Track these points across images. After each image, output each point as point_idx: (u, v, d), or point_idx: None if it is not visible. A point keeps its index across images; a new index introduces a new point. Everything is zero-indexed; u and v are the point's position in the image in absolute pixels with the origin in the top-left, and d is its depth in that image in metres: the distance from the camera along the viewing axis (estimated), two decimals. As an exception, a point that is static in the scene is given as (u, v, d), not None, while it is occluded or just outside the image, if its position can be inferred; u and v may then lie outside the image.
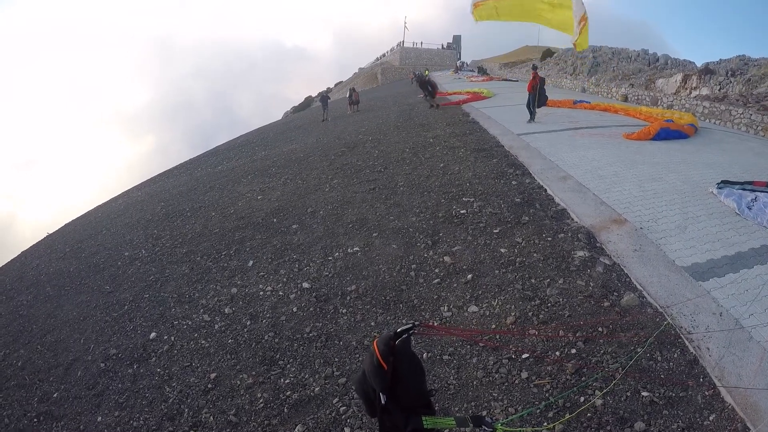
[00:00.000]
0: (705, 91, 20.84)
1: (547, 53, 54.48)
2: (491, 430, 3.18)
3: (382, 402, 3.09)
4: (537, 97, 19.43)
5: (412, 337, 3.12)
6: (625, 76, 29.27)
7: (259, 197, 14.62)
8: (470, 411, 5.38)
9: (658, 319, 6.12)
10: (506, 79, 52.19)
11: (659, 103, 23.23)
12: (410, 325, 3.08)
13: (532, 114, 19.73)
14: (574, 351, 5.92)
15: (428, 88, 28.64)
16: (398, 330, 3.02)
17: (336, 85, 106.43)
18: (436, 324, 7.03)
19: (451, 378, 5.96)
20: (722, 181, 10.11)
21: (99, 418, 6.79)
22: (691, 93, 21.38)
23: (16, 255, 18.33)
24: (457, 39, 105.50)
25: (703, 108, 20.49)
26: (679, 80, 22.39)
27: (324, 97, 38.36)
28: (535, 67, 21.53)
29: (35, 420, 7.20)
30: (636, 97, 25.63)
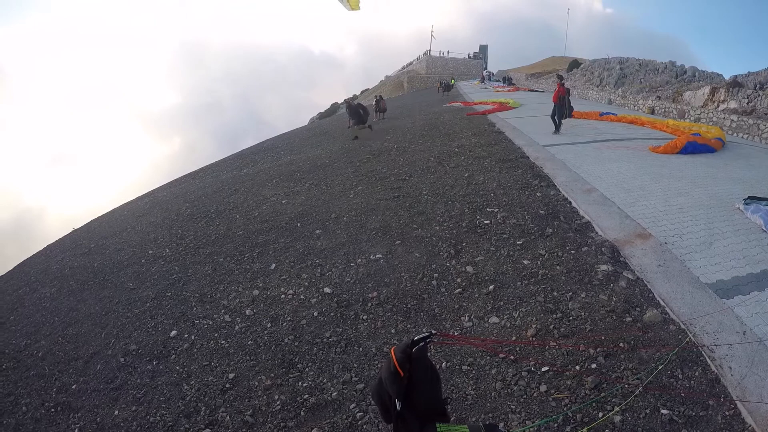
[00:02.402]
0: (733, 105, 20.58)
1: (574, 64, 54.14)
2: None
3: (398, 408, 3.15)
4: (562, 108, 19.36)
5: (429, 346, 3.16)
6: (652, 88, 29.03)
7: (283, 201, 14.74)
8: (487, 422, 5.40)
9: (680, 336, 6.08)
10: (532, 90, 52.04)
11: (686, 116, 23.00)
12: (427, 334, 3.12)
13: (558, 125, 19.65)
14: (594, 366, 5.90)
15: (360, 113, 27.53)
16: (415, 338, 3.07)
17: (362, 92, 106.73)
18: (456, 334, 7.07)
19: (470, 389, 5.98)
20: (749, 197, 10.00)
21: (116, 412, 6.90)
22: (718, 106, 21.12)
23: (41, 248, 18.65)
24: (483, 48, 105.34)
25: (731, 122, 20.23)
26: (707, 93, 22.14)
27: (350, 104, 38.19)
28: (560, 77, 21.48)
29: (52, 410, 7.32)
30: (663, 110, 25.39)
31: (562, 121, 19.68)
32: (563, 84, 20.49)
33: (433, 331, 3.08)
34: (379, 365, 6.71)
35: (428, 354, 3.20)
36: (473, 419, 5.52)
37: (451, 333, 7.05)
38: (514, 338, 6.75)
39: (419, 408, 3.16)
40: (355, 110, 27.65)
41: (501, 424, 5.35)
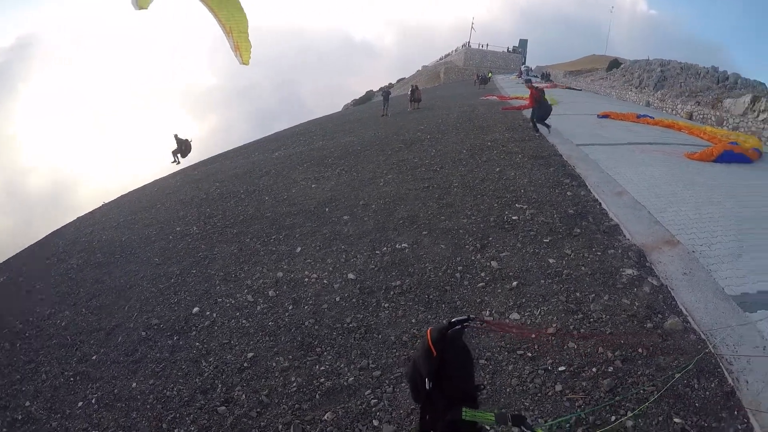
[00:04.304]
0: (774, 115, 20.09)
1: (614, 64, 53.24)
2: None
3: (427, 387, 3.21)
4: (541, 109, 19.25)
5: (465, 330, 3.22)
6: (692, 93, 28.44)
7: (313, 186, 14.89)
8: (514, 412, 5.44)
9: (699, 346, 6.06)
10: (570, 88, 51.31)
11: (725, 123, 22.52)
12: (465, 317, 3.19)
13: (538, 126, 19.44)
14: (611, 369, 5.91)
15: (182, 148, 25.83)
16: (453, 320, 3.14)
17: (398, 81, 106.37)
18: (492, 319, 7.13)
19: (485, 382, 6.03)
20: (783, 211, 9.85)
21: (134, 384, 7.12)
22: (759, 116, 20.59)
23: (71, 220, 19.06)
24: (523, 43, 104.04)
25: (771, 132, 19.79)
26: (748, 102, 21.55)
27: (386, 92, 38.55)
28: (528, 81, 21.57)
29: (71, 379, 7.58)
30: (701, 116, 24.91)
31: (544, 122, 19.52)
32: (535, 87, 20.57)
33: (471, 315, 3.14)
34: (397, 354, 6.81)
35: (463, 338, 3.27)
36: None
37: (488, 318, 7.12)
38: (533, 336, 6.78)
39: (449, 390, 3.22)
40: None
41: (527, 414, 5.41)
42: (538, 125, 19.05)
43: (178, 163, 24.75)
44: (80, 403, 6.99)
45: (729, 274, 7.65)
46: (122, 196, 22.72)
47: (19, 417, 6.97)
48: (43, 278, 11.98)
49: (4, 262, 14.81)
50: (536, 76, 72.48)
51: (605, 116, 24.26)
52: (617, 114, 24.24)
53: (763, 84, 27.50)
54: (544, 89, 20.36)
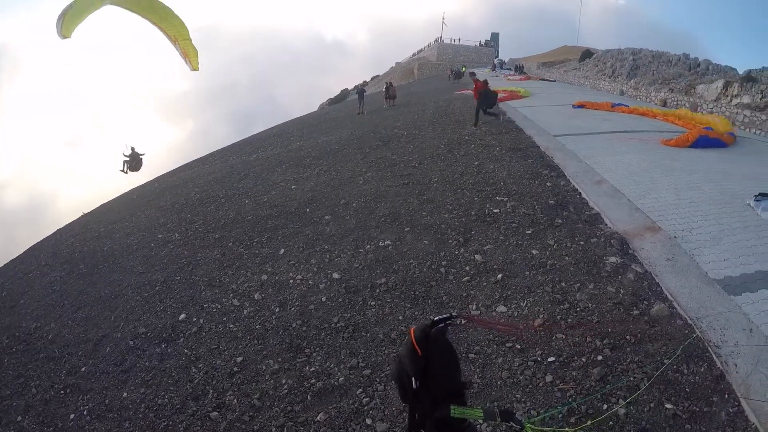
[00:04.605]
0: (746, 100, 20.23)
1: (586, 54, 53.39)
2: (519, 428, 3.25)
3: (414, 387, 3.18)
4: (486, 99, 19.67)
5: (449, 328, 3.20)
6: (665, 81, 28.73)
7: (293, 187, 14.79)
8: (503, 407, 5.42)
9: (686, 331, 6.10)
10: (544, 79, 51.65)
11: (699, 109, 22.78)
12: (447, 315, 3.16)
13: (492, 114, 19.94)
14: (600, 358, 5.93)
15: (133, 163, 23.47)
16: (435, 319, 3.12)
17: (372, 78, 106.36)
18: (476, 315, 7.13)
19: (476, 376, 6.03)
20: (760, 194, 9.91)
21: (125, 394, 7.02)
22: (731, 100, 20.83)
23: (51, 232, 18.83)
24: (495, 36, 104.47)
25: (744, 117, 19.93)
26: (720, 87, 21.79)
27: (360, 90, 38.46)
28: (472, 73, 22.11)
29: (62, 392, 7.46)
30: (675, 102, 25.14)
31: (490, 110, 19.88)
32: (478, 79, 21.06)
33: (453, 313, 3.12)
34: (386, 351, 6.78)
35: (447, 335, 3.24)
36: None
37: (471, 315, 7.10)
38: (521, 328, 6.79)
39: (435, 388, 3.20)
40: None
41: (517, 411, 5.40)
42: (487, 115, 19.69)
43: (126, 173, 24.36)
44: (72, 416, 6.86)
45: (711, 258, 7.71)
46: (102, 206, 22.48)
47: (12, 432, 6.86)
48: (26, 292, 11.77)
49: (-17, 278, 14.54)
50: (509, 69, 72.87)
51: (580, 106, 24.40)
52: (592, 104, 24.44)
53: (735, 69, 27.82)
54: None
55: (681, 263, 7.63)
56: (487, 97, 19.49)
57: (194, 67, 11.51)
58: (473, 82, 21.44)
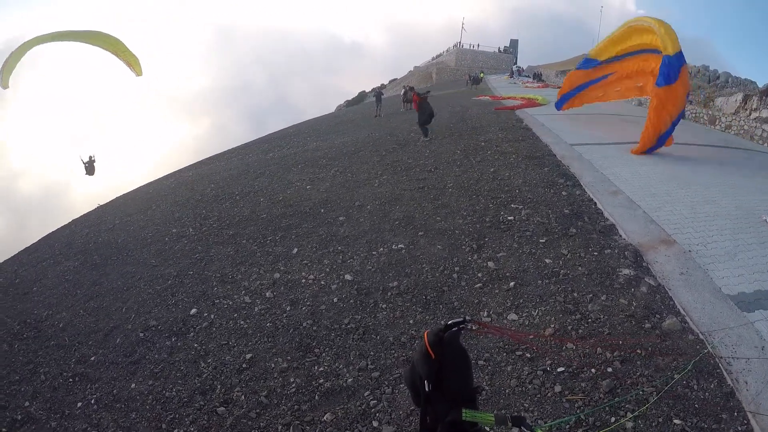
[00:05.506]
0: (765, 114, 20.04)
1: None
2: None
3: (427, 389, 3.21)
4: (424, 113, 20.14)
5: (462, 332, 3.22)
6: (684, 93, 28.56)
7: (308, 187, 14.85)
8: (513, 413, 5.42)
9: (698, 347, 6.07)
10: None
11: (717, 122, 22.64)
12: (461, 320, 3.18)
13: (425, 131, 20.26)
14: (610, 370, 5.91)
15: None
16: (449, 323, 3.14)
17: (390, 81, 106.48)
18: (489, 322, 7.12)
19: (484, 383, 6.02)
20: (776, 210, 9.88)
21: (133, 385, 7.08)
22: (750, 114, 20.65)
23: (66, 222, 19.00)
24: (514, 43, 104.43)
25: (762, 131, 19.74)
26: (739, 100, 21.58)
27: (378, 93, 38.71)
28: (412, 88, 22.75)
29: (71, 380, 7.52)
30: (694, 115, 25.00)
31: (427, 125, 20.29)
32: (418, 93, 21.94)
33: (467, 317, 3.14)
34: (396, 355, 6.80)
35: (460, 340, 3.26)
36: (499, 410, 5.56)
37: (483, 321, 7.08)
38: (531, 337, 6.78)
39: (448, 392, 3.22)
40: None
41: (527, 415, 5.40)
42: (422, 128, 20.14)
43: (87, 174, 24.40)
44: (79, 404, 6.93)
45: (726, 273, 7.67)
46: (117, 198, 22.66)
47: (19, 417, 6.90)
48: (39, 280, 11.90)
49: (-1, 264, 14.72)
50: (528, 76, 72.65)
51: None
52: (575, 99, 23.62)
53: (754, 82, 27.68)
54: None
55: (695, 277, 7.58)
56: (424, 111, 20.16)
57: (138, 73, 12.13)
58: (413, 96, 22.46)
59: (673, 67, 14.86)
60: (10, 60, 11.47)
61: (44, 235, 17.54)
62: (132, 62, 12.26)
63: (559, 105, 23.29)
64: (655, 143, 15.34)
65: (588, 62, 21.23)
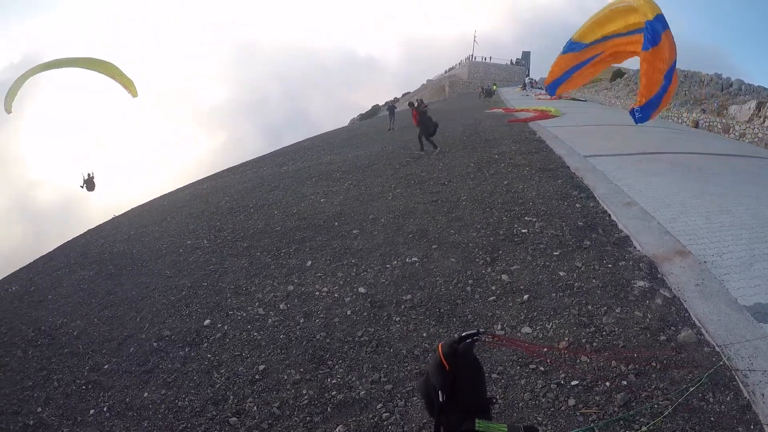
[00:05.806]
0: (779, 121, 19.98)
1: (618, 74, 53.04)
2: None
3: (441, 400, 3.23)
4: (426, 128, 20.43)
5: (476, 344, 3.24)
6: (697, 101, 28.39)
7: (322, 200, 14.94)
8: (526, 424, 5.40)
9: (714, 359, 6.02)
10: (575, 99, 51.32)
11: (731, 130, 22.52)
12: (475, 332, 3.21)
13: (422, 144, 20.69)
14: (624, 383, 5.89)
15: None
16: (463, 334, 3.16)
17: (403, 95, 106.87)
18: (503, 335, 7.11)
19: (498, 397, 6.02)
20: (793, 220, 9.79)
21: (145, 394, 7.14)
22: (764, 122, 20.52)
23: (81, 232, 19.23)
24: (526, 55, 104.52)
25: (775, 139, 19.70)
26: (753, 108, 21.47)
27: (391, 106, 38.83)
28: (411, 105, 23.32)
29: (83, 387, 7.60)
30: (707, 123, 24.89)
31: (429, 139, 20.60)
32: (416, 108, 21.81)
33: (481, 329, 3.16)
34: (409, 368, 6.80)
35: (474, 351, 3.29)
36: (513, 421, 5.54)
37: (497, 334, 7.07)
38: (545, 350, 6.76)
39: (462, 403, 3.23)
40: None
41: (540, 428, 5.38)
42: (425, 142, 20.53)
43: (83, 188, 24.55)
44: (92, 411, 6.99)
45: (741, 284, 7.60)
46: (133, 209, 22.91)
47: (31, 422, 6.98)
48: (55, 288, 12.05)
49: (15, 272, 14.90)
50: (540, 88, 72.58)
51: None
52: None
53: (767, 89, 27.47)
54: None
55: (710, 288, 7.53)
56: (425, 126, 20.46)
57: (134, 95, 12.60)
58: (412, 111, 22.20)
59: (656, 30, 15.58)
60: (13, 87, 12.01)
61: (60, 244, 17.76)
62: (127, 84, 12.75)
63: (552, 91, 23.66)
64: (653, 99, 16.04)
65: (573, 45, 21.08)
